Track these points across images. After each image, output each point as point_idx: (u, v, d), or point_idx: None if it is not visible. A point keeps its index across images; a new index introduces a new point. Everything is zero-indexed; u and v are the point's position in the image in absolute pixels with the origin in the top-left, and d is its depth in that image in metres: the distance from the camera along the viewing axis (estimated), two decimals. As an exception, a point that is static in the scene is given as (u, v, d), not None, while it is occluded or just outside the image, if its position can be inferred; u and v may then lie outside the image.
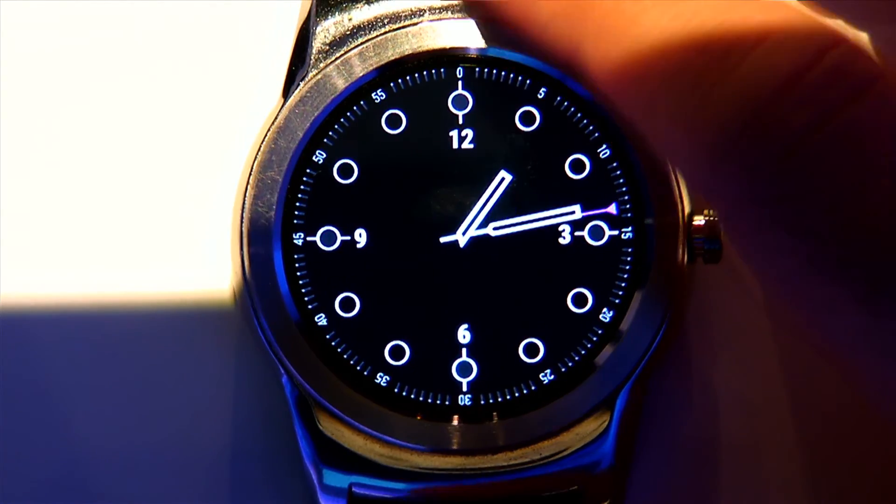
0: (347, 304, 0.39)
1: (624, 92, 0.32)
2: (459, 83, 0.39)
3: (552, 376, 0.39)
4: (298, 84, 0.38)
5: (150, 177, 0.43)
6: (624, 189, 0.39)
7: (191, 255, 0.43)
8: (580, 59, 0.33)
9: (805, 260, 0.29)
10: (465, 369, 0.39)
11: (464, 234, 0.38)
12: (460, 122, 0.39)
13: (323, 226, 0.39)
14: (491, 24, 0.38)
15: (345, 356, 0.39)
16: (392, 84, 0.39)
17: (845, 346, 0.29)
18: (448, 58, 0.39)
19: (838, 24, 0.30)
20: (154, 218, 0.43)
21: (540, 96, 0.39)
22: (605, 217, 0.39)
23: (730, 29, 0.29)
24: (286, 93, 0.39)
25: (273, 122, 0.38)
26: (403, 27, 0.39)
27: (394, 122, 0.39)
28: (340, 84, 0.38)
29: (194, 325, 0.42)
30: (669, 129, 0.31)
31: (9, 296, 0.42)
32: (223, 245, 0.40)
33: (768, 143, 0.29)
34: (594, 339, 0.39)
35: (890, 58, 0.29)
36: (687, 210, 0.38)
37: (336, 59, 0.38)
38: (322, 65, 0.38)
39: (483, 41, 0.38)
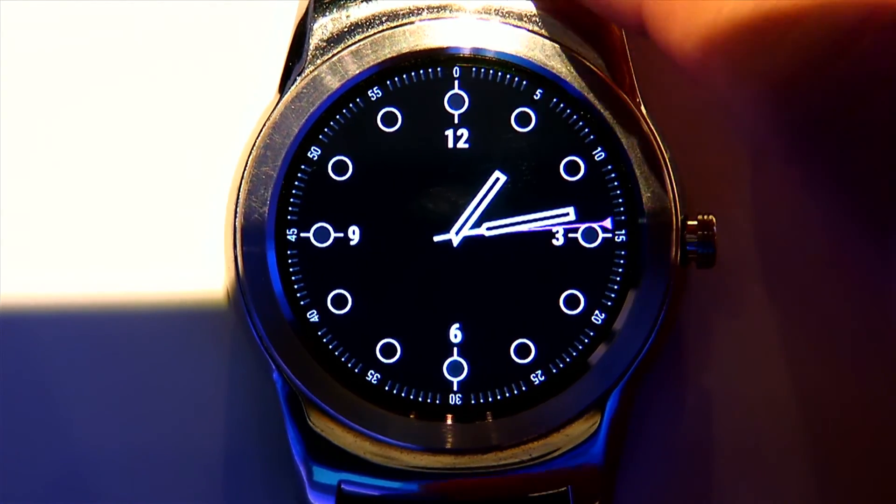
0: (339, 301, 0.39)
1: (698, 62, 0.32)
2: (455, 83, 0.39)
3: (543, 377, 0.39)
4: (295, 80, 0.39)
5: (145, 175, 0.43)
6: (618, 192, 0.39)
7: (185, 254, 0.43)
8: (645, 23, 0.34)
9: (856, 203, 0.30)
10: (456, 369, 0.39)
11: (457, 233, 0.38)
12: (456, 121, 0.39)
13: (316, 222, 0.39)
14: None
15: (336, 353, 0.38)
16: (388, 82, 0.39)
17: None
18: (445, 57, 0.39)
19: None
20: (148, 216, 0.43)
21: (536, 98, 0.39)
22: (599, 220, 0.39)
23: None
24: (282, 89, 0.39)
25: (268, 118, 0.38)
26: (400, 25, 0.39)
27: (389, 120, 0.39)
28: (336, 81, 0.38)
29: (189, 324, 0.42)
30: (735, 87, 0.31)
31: (8, 296, 0.42)
32: (218, 244, 0.40)
33: (826, 97, 0.29)
34: (586, 340, 0.39)
35: None
36: (680, 213, 0.38)
37: (332, 56, 0.38)
38: (318, 61, 0.39)
39: (480, 41, 0.38)
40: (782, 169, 0.31)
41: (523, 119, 0.39)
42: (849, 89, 0.29)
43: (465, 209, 0.38)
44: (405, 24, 0.39)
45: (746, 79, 0.31)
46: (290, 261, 0.38)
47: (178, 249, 0.43)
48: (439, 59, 0.39)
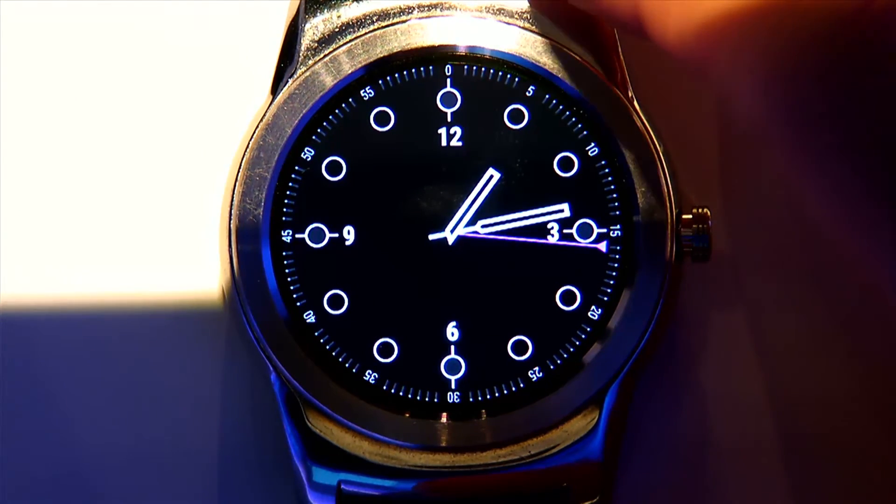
0: (336, 302, 0.39)
1: (697, 55, 0.32)
2: (448, 81, 0.39)
3: (540, 374, 0.39)
4: (287, 81, 0.38)
5: (140, 176, 0.43)
6: (612, 187, 0.39)
7: (181, 254, 0.43)
8: (642, 22, 0.34)
9: (865, 174, 0.29)
10: (453, 367, 0.39)
11: (452, 231, 0.39)
12: (449, 119, 0.39)
13: (311, 223, 0.39)
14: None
15: (333, 353, 0.39)
16: (380, 81, 0.39)
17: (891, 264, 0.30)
18: (436, 55, 0.39)
19: None
20: (143, 217, 0.43)
21: (528, 94, 0.39)
22: (593, 216, 0.39)
23: None
24: (275, 90, 0.39)
25: (261, 119, 0.38)
26: (392, 24, 0.39)
27: (382, 119, 0.39)
28: (329, 81, 0.38)
29: (185, 325, 0.42)
30: (737, 77, 0.31)
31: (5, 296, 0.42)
32: (213, 245, 0.40)
33: (832, 74, 0.29)
34: (582, 336, 0.39)
35: None
36: (675, 207, 0.38)
37: (324, 56, 0.38)
38: (310, 62, 0.39)
39: (471, 39, 0.38)
40: (788, 159, 0.30)
41: (516, 116, 0.39)
42: (857, 63, 0.29)
43: (459, 207, 0.38)
44: (396, 23, 0.39)
45: (748, 67, 0.30)
46: (285, 262, 0.38)
47: (173, 249, 0.43)
48: (431, 57, 0.39)
